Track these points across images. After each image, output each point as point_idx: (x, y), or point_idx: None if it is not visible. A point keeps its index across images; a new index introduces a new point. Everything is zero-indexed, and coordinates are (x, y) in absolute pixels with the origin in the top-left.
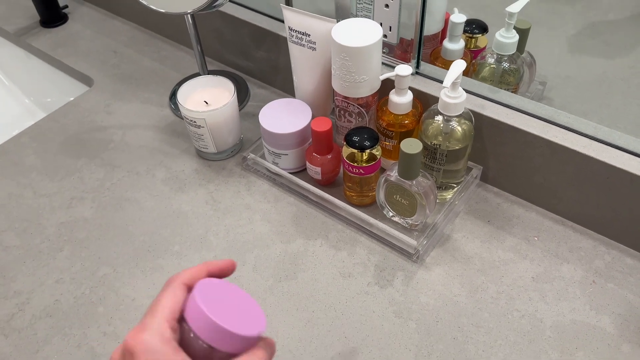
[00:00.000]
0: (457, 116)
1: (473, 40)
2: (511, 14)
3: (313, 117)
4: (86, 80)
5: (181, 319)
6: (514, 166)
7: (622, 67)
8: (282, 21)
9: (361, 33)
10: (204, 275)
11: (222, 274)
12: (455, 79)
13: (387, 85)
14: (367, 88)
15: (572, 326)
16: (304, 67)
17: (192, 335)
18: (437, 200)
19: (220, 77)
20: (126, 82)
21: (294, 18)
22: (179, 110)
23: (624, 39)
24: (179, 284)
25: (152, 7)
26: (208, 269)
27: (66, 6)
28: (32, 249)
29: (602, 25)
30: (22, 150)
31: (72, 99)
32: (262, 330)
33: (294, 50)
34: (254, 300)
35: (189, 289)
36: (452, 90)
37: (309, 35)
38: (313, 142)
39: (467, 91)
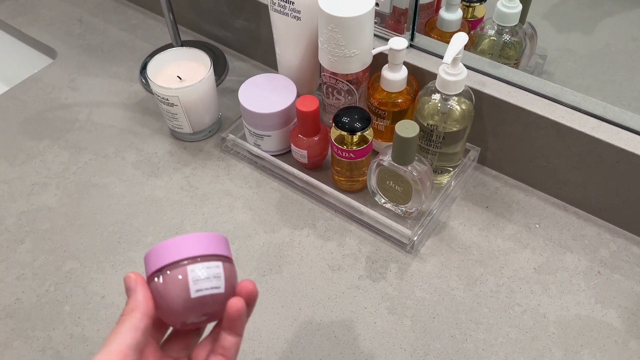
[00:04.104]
0: (456, 95)
1: (470, 9)
2: None
3: (298, 94)
4: (49, 52)
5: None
6: (515, 148)
7: (626, 40)
8: None
9: (351, 1)
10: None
11: None
12: (457, 55)
13: (379, 60)
14: (357, 63)
15: (577, 321)
16: (287, 39)
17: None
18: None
19: (195, 49)
20: (92, 54)
21: None
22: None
23: (627, 9)
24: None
25: None
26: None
27: None
28: None
29: None
30: None
31: (34, 72)
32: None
33: (277, 20)
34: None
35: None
36: (453, 66)
37: (293, 3)
38: (298, 123)
39: (465, 66)
